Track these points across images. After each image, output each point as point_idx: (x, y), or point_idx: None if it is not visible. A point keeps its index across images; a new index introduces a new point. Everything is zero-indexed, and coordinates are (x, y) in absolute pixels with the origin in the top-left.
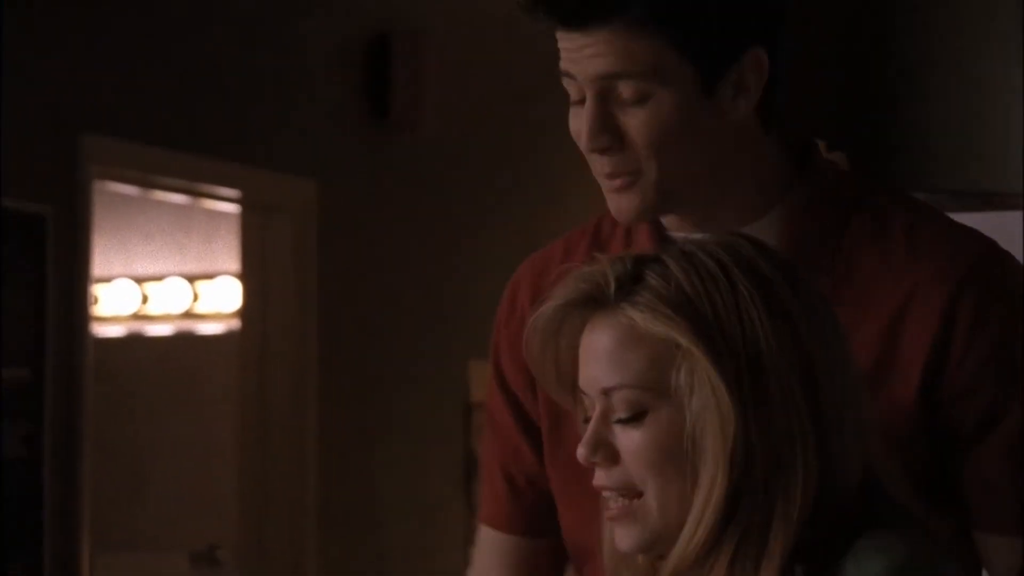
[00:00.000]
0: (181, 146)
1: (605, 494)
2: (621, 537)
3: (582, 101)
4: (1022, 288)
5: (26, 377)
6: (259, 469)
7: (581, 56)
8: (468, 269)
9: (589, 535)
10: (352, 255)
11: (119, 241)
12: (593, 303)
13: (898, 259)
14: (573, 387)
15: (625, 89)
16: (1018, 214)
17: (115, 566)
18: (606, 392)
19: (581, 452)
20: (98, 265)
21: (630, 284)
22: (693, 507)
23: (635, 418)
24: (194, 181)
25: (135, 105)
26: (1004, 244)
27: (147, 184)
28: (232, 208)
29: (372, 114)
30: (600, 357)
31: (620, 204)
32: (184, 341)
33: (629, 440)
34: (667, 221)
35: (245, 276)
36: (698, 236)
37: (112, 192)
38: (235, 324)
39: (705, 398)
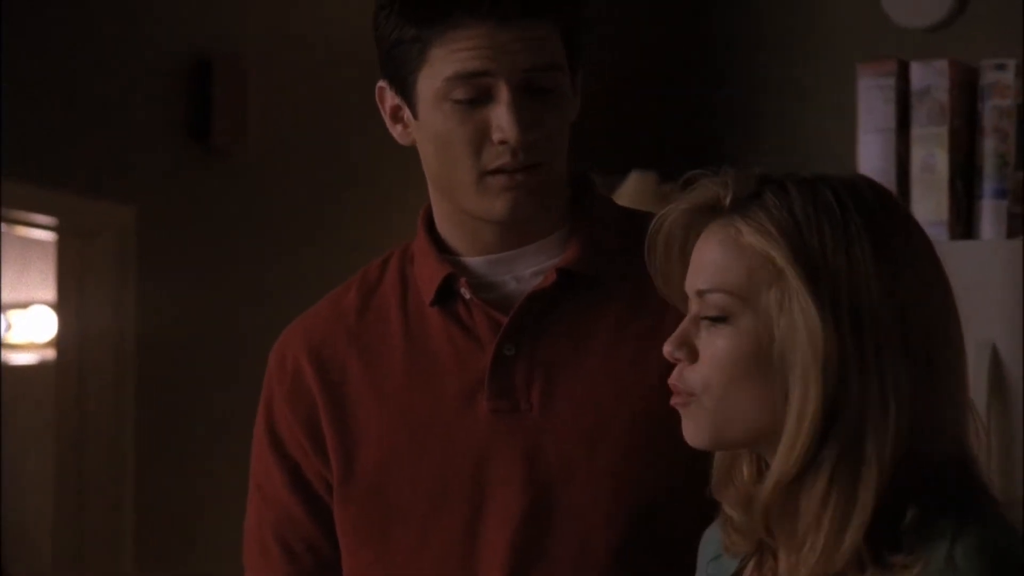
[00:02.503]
0: None
1: (675, 398)
2: (683, 429)
3: (475, 100)
4: None
5: None
6: (74, 502)
7: (507, 51)
8: (291, 294)
9: (389, 569)
10: (172, 282)
11: None
12: (711, 212)
13: None
14: (685, 296)
15: (542, 81)
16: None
17: None
18: (700, 294)
19: (666, 348)
20: None
21: (747, 199)
22: (788, 421)
23: (719, 320)
24: (7, 208)
25: None
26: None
27: None
28: (47, 235)
29: (192, 139)
30: (704, 261)
31: (516, 199)
32: None
33: (710, 342)
34: (471, 245)
35: (60, 305)
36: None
37: None
38: (49, 354)
39: (793, 318)
